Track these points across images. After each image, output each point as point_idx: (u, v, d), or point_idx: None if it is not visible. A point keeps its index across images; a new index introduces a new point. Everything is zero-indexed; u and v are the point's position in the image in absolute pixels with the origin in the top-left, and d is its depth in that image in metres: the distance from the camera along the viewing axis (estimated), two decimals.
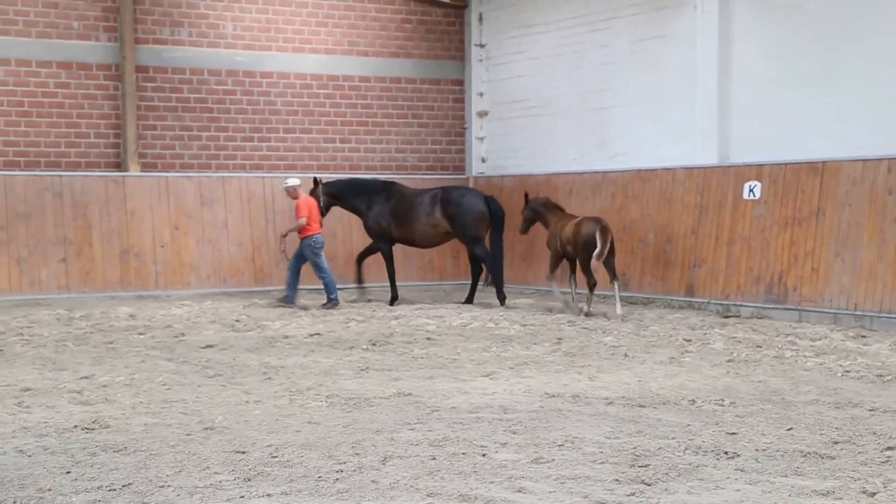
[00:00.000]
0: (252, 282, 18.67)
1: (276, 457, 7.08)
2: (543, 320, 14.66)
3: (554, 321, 14.53)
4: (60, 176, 17.64)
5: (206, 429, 7.99)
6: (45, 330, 13.65)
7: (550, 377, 10.22)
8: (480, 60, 21.02)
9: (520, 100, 20.25)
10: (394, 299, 17.06)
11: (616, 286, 15.26)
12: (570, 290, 15.99)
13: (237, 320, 14.72)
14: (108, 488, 6.34)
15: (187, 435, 7.78)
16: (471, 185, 20.93)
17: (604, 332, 13.37)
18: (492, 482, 6.44)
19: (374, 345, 12.43)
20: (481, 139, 21.16)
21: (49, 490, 6.30)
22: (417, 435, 7.68)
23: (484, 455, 7.09)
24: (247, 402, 9.09)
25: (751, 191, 15.57)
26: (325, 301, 16.45)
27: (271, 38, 19.59)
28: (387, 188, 17.49)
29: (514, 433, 7.76)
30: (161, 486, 6.37)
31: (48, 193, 17.47)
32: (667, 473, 6.60)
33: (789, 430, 7.86)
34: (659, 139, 17.51)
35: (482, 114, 21.09)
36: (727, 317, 15.09)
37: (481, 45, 20.99)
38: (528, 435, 7.69)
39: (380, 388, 9.65)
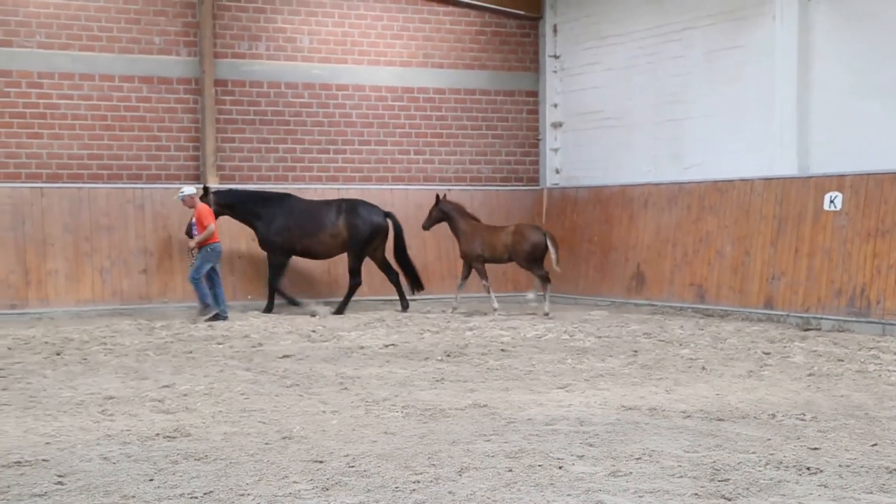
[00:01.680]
0: (328, 292, 18.81)
1: (353, 466, 7.13)
2: (619, 332, 14.56)
3: (629, 333, 14.43)
4: (142, 188, 17.98)
5: (285, 438, 8.07)
6: (127, 339, 13.91)
7: (627, 390, 10.15)
8: (555, 72, 20.99)
9: (594, 111, 20.18)
10: (268, 309, 17.28)
11: (548, 288, 17.10)
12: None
13: (313, 331, 14.85)
14: (190, 496, 6.43)
15: (266, 444, 7.87)
16: (545, 197, 20.91)
17: (680, 345, 13.24)
18: (569, 495, 6.41)
19: (448, 356, 12.46)
20: (555, 150, 21.12)
21: (133, 497, 6.41)
22: (493, 447, 7.68)
23: (560, 468, 7.07)
24: (324, 412, 9.16)
25: (831, 202, 15.31)
26: (203, 309, 16.10)
27: (347, 51, 19.79)
28: (284, 199, 17.61)
29: (591, 446, 7.71)
30: (241, 495, 6.45)
31: (130, 205, 17.82)
32: (748, 488, 6.51)
33: (874, 445, 7.70)
34: (735, 150, 17.32)
35: (556, 125, 21.05)
36: (807, 330, 14.85)
37: (556, 57, 20.96)
38: (605, 448, 7.64)
39: (455, 399, 9.66)
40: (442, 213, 17.50)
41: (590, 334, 14.34)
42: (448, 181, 20.45)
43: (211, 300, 16.09)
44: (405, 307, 17.73)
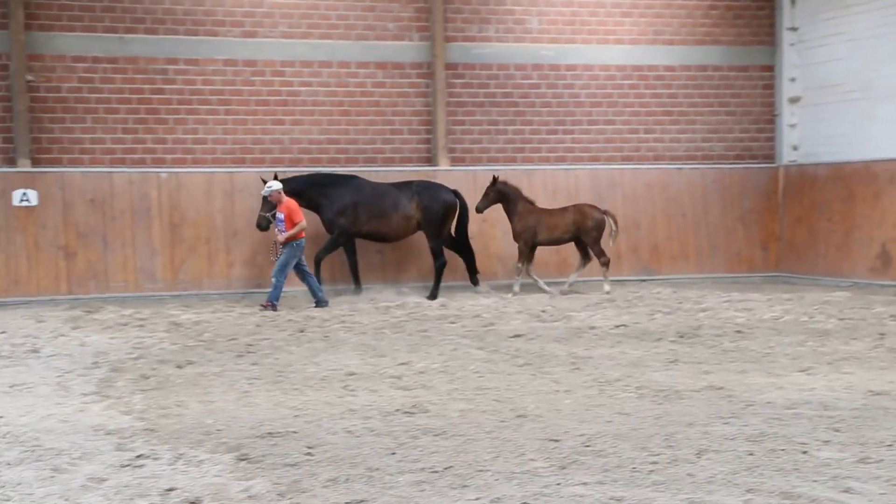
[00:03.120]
0: (557, 273, 18.83)
1: (588, 446, 7.13)
2: (863, 314, 13.93)
3: (875, 315, 13.77)
4: (377, 170, 18.50)
5: (519, 416, 8.15)
6: (365, 318, 14.37)
7: (874, 374, 9.70)
8: (792, 45, 20.20)
9: (836, 84, 19.30)
10: (358, 289, 17.10)
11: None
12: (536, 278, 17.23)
13: (543, 311, 14.90)
14: (431, 470, 6.60)
15: (501, 422, 7.98)
16: (781, 174, 20.21)
17: None
18: (815, 481, 6.20)
19: (682, 337, 12.25)
20: (793, 126, 20.34)
21: (377, 469, 6.64)
22: (732, 429, 7.51)
23: (805, 452, 6.84)
24: (557, 391, 9.20)
25: None
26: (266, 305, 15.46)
27: (576, 30, 19.70)
28: (349, 181, 17.14)
29: (837, 431, 7.43)
30: (480, 471, 6.57)
31: None
32: None
33: None
34: None
35: (794, 100, 20.26)
36: None
37: (793, 29, 20.16)
38: (853, 433, 7.34)
39: (690, 380, 9.50)
40: (499, 194, 17.14)
41: (831, 316, 13.78)
42: (679, 159, 20.07)
43: (314, 291, 15.77)
44: (475, 283, 17.59)
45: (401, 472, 6.58)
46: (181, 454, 7.06)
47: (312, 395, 9.11)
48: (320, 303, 15.64)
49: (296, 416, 8.26)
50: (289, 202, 15.58)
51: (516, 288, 17.10)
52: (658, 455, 6.84)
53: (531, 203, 17.33)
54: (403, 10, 18.93)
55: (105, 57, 17.63)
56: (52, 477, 6.56)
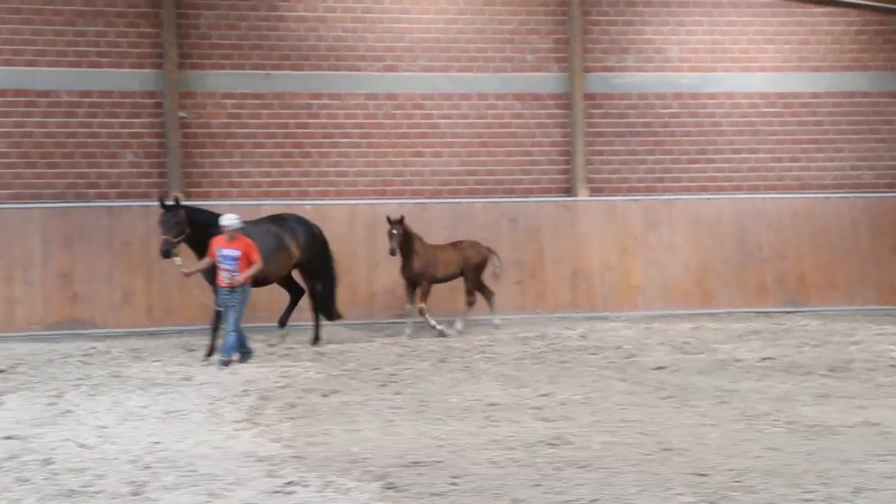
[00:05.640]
0: (699, 304, 18.55)
1: (738, 481, 6.99)
2: None
3: None
4: (515, 202, 18.57)
5: (665, 450, 8.04)
6: (504, 348, 14.40)
7: None
8: None
9: None
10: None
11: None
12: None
13: (686, 342, 14.69)
14: (576, 502, 6.56)
15: (646, 455, 7.88)
16: None
17: None
18: None
19: (832, 371, 11.91)
20: None
21: (523, 501, 6.63)
22: (891, 467, 7.26)
23: None
24: (703, 424, 9.04)
25: None
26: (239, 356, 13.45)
27: (717, 58, 19.45)
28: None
29: None
30: None
31: (504, 219, 18.46)
32: None
33: None
34: None
35: None
36: None
37: None
38: None
39: (843, 416, 9.22)
40: (407, 235, 15.68)
41: None
42: (826, 188, 19.56)
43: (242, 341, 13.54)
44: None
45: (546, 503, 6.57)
46: (329, 482, 7.19)
47: (455, 424, 9.16)
48: (246, 354, 13.52)
49: (439, 445, 8.32)
50: (246, 239, 13.44)
51: (459, 325, 16.30)
52: (812, 492, 6.66)
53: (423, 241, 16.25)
54: (542, 41, 19.01)
55: (252, 93, 18.20)
56: (208, 502, 6.76)
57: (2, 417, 9.72)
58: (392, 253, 15.32)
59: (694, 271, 18.68)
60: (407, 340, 15.38)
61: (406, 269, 15.91)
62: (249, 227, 14.40)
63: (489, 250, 16.74)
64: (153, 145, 17.86)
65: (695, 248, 18.77)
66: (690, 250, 18.76)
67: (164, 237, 13.73)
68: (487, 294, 16.72)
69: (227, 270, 13.16)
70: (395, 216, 15.71)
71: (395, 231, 15.41)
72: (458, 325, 16.39)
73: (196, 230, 13.98)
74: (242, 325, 13.49)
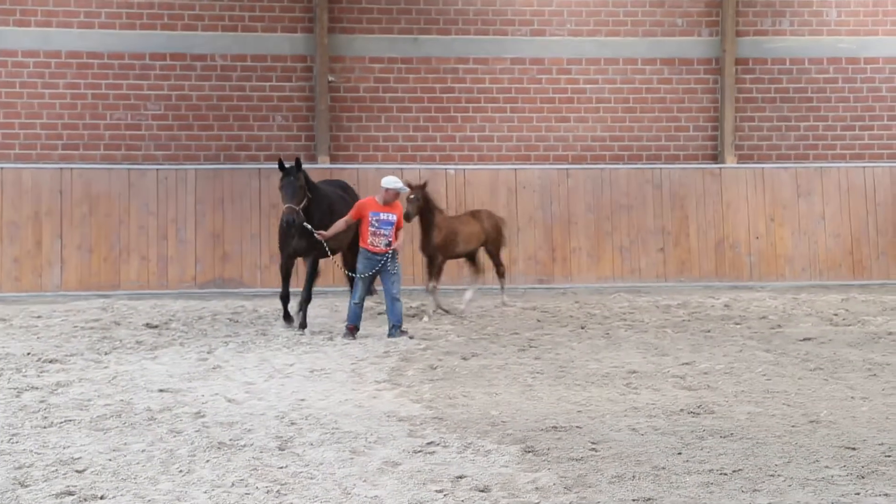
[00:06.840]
0: (850, 275, 18.01)
1: (889, 456, 6.79)
2: None
3: None
4: (660, 168, 18.29)
5: (812, 422, 7.86)
6: (645, 316, 14.25)
7: None
8: None
9: None
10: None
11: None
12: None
13: (835, 314, 14.27)
14: (719, 472, 6.48)
15: (792, 426, 7.71)
16: None
17: None
18: None
19: None
20: None
21: (663, 468, 6.58)
22: None
23: None
24: (852, 397, 8.80)
25: None
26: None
27: (878, 21, 18.72)
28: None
29: None
30: (771, 475, 6.39)
31: (648, 186, 18.21)
32: None
33: None
34: None
35: None
36: None
37: None
38: None
39: None
40: (426, 201, 14.07)
41: None
42: None
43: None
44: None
45: (688, 472, 6.50)
46: (469, 443, 7.27)
47: (595, 391, 9.13)
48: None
49: (579, 411, 8.32)
50: (399, 204, 12.82)
51: (505, 298, 15.47)
52: None
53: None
54: (693, 5, 18.60)
55: (400, 58, 18.34)
56: (351, 459, 6.91)
57: (156, 371, 10.12)
58: (407, 218, 13.32)
59: (846, 241, 18.12)
60: (428, 321, 13.80)
61: (426, 244, 14.33)
62: (327, 188, 13.82)
63: (502, 220, 15.56)
64: (302, 108, 18.20)
65: (847, 218, 18.19)
66: (842, 220, 18.19)
67: (288, 205, 12.52)
68: (498, 265, 15.48)
69: (383, 236, 12.42)
70: (417, 182, 14.27)
71: (413, 196, 13.80)
72: (505, 298, 15.53)
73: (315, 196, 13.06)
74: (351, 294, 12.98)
